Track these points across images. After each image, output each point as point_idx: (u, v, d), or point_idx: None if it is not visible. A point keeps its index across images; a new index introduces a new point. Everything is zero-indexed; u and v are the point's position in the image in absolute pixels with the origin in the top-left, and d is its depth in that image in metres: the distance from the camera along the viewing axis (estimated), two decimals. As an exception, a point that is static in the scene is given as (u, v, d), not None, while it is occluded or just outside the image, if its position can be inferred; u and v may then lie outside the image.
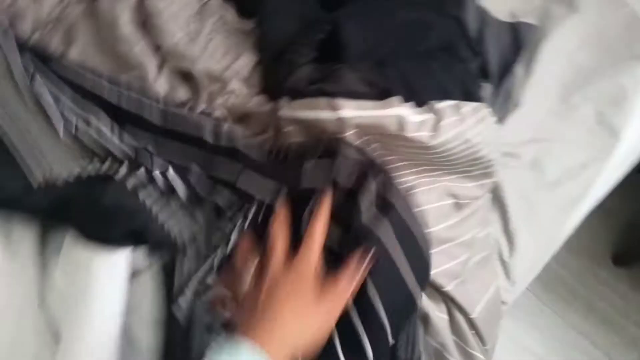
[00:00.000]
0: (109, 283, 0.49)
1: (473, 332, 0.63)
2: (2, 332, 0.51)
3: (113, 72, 0.77)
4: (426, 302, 0.60)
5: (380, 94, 0.62)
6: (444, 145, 0.61)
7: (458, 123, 0.62)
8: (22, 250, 0.56)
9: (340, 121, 0.59)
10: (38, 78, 0.63)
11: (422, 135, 0.59)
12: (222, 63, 0.82)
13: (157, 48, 0.81)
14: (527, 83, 0.90)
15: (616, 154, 0.84)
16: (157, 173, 0.57)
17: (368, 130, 0.59)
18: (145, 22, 0.84)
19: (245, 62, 0.84)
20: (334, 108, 0.59)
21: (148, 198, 0.54)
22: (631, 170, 0.92)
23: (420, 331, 0.58)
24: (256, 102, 0.76)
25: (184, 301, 0.52)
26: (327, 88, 0.62)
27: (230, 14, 0.92)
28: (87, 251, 0.50)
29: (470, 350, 0.61)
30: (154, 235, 0.53)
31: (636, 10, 0.97)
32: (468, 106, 0.65)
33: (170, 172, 0.58)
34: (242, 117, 0.76)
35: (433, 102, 0.63)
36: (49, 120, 0.61)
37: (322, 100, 0.60)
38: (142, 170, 0.58)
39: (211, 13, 0.90)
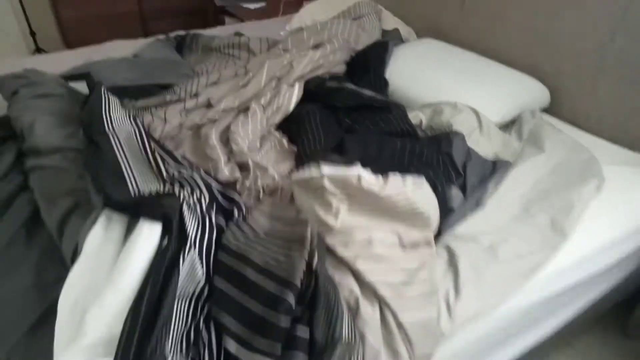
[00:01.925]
0: (144, 247, 0.78)
1: (402, 334, 0.79)
2: (100, 280, 0.81)
3: (199, 163, 1.20)
4: (361, 301, 0.80)
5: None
6: (390, 198, 0.89)
7: (401, 185, 0.91)
8: (114, 234, 0.90)
9: (322, 177, 0.91)
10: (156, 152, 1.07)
11: (373, 187, 0.89)
12: (269, 164, 1.22)
13: (230, 151, 1.25)
14: (495, 195, 1.16)
15: (560, 249, 1.03)
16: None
17: (337, 182, 0.90)
18: (226, 139, 1.30)
19: (285, 166, 1.24)
20: (320, 171, 0.92)
21: (185, 204, 0.86)
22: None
23: (346, 319, 0.75)
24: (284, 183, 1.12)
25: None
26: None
27: (284, 141, 1.35)
28: (141, 228, 0.81)
29: (396, 346, 0.77)
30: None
31: (593, 155, 1.24)
32: (411, 179, 0.94)
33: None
34: (274, 191, 1.11)
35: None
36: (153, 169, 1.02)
37: (313, 164, 0.94)
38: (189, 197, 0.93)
39: (272, 138, 1.35)
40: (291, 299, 0.69)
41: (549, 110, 1.56)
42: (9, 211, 1.08)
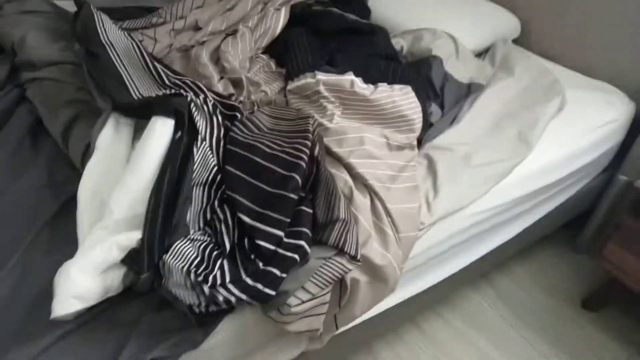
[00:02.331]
0: (159, 139, 0.85)
1: (389, 219, 0.91)
2: (115, 173, 0.88)
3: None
4: (354, 190, 0.91)
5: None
6: (379, 101, 0.98)
7: (389, 90, 1.00)
8: (123, 134, 0.97)
9: (318, 82, 0.99)
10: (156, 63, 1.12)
11: (365, 91, 0.98)
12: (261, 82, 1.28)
13: (222, 69, 1.30)
14: (469, 112, 1.27)
15: (527, 158, 1.16)
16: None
17: (332, 87, 0.99)
18: (217, 58, 1.34)
19: (276, 85, 1.30)
20: (315, 76, 1.00)
21: (193, 104, 0.93)
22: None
23: (342, 203, 0.86)
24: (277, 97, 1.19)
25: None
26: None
27: (271, 63, 1.41)
28: (154, 123, 0.88)
29: (384, 228, 0.89)
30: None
31: (557, 78, 1.37)
32: (398, 86, 1.03)
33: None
34: (268, 104, 1.18)
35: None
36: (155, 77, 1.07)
37: (308, 73, 1.02)
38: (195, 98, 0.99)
39: (260, 61, 1.40)
40: (298, 177, 0.79)
41: (518, 41, 1.67)
42: (11, 121, 1.12)
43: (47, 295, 0.75)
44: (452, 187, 1.06)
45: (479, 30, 1.53)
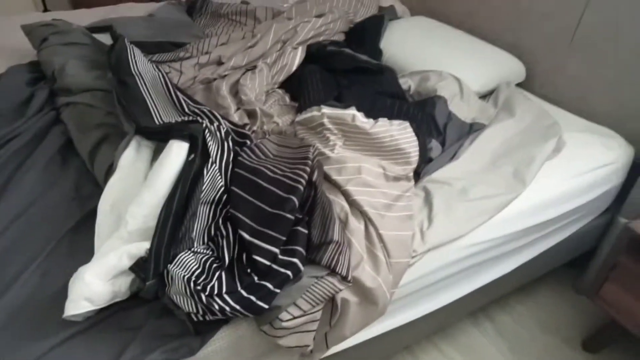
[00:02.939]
0: (174, 160, 0.95)
1: (381, 244, 0.97)
2: (133, 190, 0.97)
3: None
4: (349, 215, 0.98)
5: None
6: (377, 134, 1.06)
7: (388, 125, 1.08)
8: (144, 155, 1.07)
9: (322, 115, 1.08)
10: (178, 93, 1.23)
11: (365, 125, 1.06)
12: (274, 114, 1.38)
13: (239, 101, 1.40)
14: (469, 150, 1.33)
15: (524, 195, 1.21)
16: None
17: (335, 120, 1.07)
18: (236, 91, 1.45)
19: (288, 117, 1.40)
20: (320, 109, 1.09)
21: (208, 130, 1.03)
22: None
23: (337, 226, 0.92)
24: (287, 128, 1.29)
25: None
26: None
27: (286, 97, 1.51)
28: (171, 145, 0.97)
29: (376, 252, 0.95)
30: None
31: (556, 121, 1.43)
32: (397, 121, 1.11)
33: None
34: (279, 134, 1.28)
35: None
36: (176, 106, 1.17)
37: (315, 107, 1.11)
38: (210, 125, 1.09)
39: (275, 95, 1.51)
40: (295, 199, 0.86)
41: (523, 84, 1.74)
42: (46, 140, 1.23)
43: (63, 297, 0.83)
44: (447, 217, 1.11)
45: (484, 73, 1.61)
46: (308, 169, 0.92)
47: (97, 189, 1.09)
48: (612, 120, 1.52)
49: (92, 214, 1.01)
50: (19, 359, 0.77)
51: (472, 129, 1.44)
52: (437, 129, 1.38)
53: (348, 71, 1.54)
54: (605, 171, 1.36)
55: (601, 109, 1.55)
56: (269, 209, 0.87)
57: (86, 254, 0.90)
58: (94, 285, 0.81)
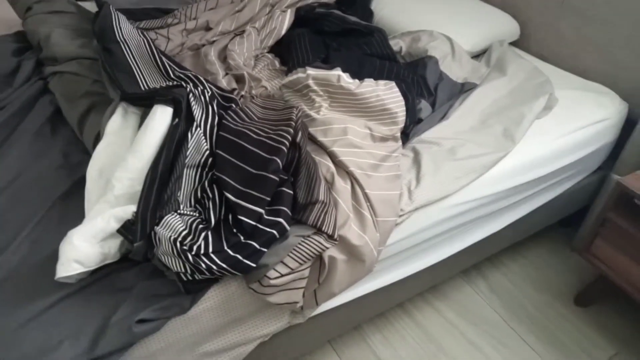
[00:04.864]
0: (159, 125, 0.95)
1: (368, 203, 0.98)
2: (121, 155, 0.98)
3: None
4: (336, 176, 0.98)
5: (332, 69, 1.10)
6: (363, 95, 1.05)
7: (374, 85, 1.07)
8: (131, 121, 1.07)
9: (307, 76, 1.07)
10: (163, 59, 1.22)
11: (350, 85, 1.05)
12: (263, 78, 1.37)
13: (227, 67, 1.39)
14: (458, 109, 1.32)
15: (514, 153, 1.21)
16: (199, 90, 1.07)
17: (320, 81, 1.06)
18: (224, 56, 1.44)
19: (277, 81, 1.39)
20: (305, 71, 1.08)
21: (192, 94, 1.02)
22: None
23: (322, 186, 0.93)
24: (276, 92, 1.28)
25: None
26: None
27: (275, 62, 1.49)
28: (155, 110, 0.97)
29: (363, 211, 0.96)
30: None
31: (548, 79, 1.41)
32: (382, 81, 1.10)
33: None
34: (267, 97, 1.27)
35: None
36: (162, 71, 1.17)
37: (300, 69, 1.10)
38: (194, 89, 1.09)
39: (265, 59, 1.49)
40: (279, 160, 0.87)
41: (518, 43, 1.71)
42: (34, 109, 1.23)
43: (54, 262, 0.84)
44: (435, 177, 1.11)
45: (477, 32, 1.58)
46: (292, 130, 0.92)
47: (87, 157, 1.09)
48: (605, 77, 1.49)
49: (81, 182, 1.02)
50: (12, 321, 0.79)
51: (464, 89, 1.42)
52: (428, 90, 1.37)
53: (337, 33, 1.52)
54: (598, 128, 1.36)
55: (594, 67, 1.52)
56: (253, 171, 0.88)
57: (77, 220, 0.91)
58: (83, 248, 0.83)
